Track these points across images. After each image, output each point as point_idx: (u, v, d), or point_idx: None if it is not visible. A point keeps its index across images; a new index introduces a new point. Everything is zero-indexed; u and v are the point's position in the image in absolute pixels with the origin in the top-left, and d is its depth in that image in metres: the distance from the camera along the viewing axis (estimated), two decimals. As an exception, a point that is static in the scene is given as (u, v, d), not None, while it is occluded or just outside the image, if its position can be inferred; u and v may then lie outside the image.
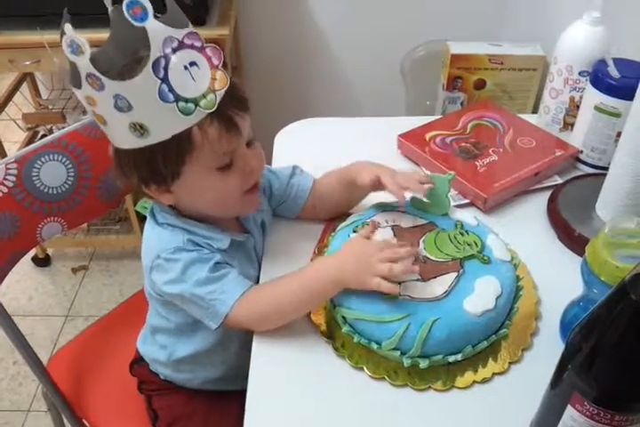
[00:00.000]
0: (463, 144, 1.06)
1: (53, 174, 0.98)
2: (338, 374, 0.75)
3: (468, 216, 0.86)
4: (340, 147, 1.09)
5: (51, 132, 1.86)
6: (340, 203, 0.93)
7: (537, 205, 0.98)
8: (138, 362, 1.01)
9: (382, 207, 0.86)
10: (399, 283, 0.74)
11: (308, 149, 1.09)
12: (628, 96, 0.90)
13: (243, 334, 0.83)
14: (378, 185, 0.84)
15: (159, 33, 0.65)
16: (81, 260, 1.98)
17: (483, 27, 1.72)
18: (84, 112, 1.77)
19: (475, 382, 0.73)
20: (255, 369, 0.75)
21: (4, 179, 0.93)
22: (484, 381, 0.73)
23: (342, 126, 1.19)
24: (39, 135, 1.92)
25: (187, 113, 0.68)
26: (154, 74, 0.65)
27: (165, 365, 0.95)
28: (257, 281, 0.85)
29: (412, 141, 1.08)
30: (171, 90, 0.66)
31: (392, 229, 0.82)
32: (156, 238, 0.81)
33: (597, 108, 0.99)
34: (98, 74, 0.64)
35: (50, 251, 1.98)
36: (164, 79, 0.66)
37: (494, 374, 0.74)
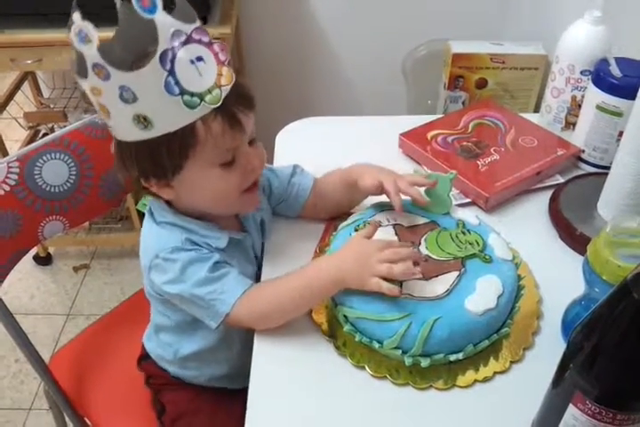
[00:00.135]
0: (465, 143, 1.06)
1: (55, 173, 0.98)
2: (339, 373, 0.75)
3: (470, 215, 0.86)
4: (342, 146, 1.09)
5: (52, 130, 1.86)
6: (340, 203, 0.93)
7: (538, 204, 0.98)
8: (145, 358, 1.01)
9: (384, 206, 0.86)
10: (400, 282, 0.74)
11: (309, 148, 1.09)
12: (630, 95, 0.89)
13: (245, 332, 0.83)
14: (380, 190, 0.84)
15: (167, 26, 0.65)
16: (82, 258, 1.98)
17: (484, 26, 1.72)
18: (86, 111, 1.77)
19: (476, 381, 0.73)
20: (256, 368, 0.75)
21: (6, 177, 0.93)
22: (486, 380, 0.73)
23: (344, 125, 1.19)
24: (40, 134, 1.92)
25: (191, 107, 0.68)
26: (161, 66, 0.65)
27: (171, 362, 0.96)
28: (256, 279, 0.85)
29: (413, 140, 1.08)
30: (177, 83, 0.66)
31: (393, 227, 0.82)
32: (154, 238, 0.81)
33: (599, 108, 0.99)
34: (104, 63, 0.64)
35: (51, 249, 1.98)
36: (171, 72, 0.66)
37: (496, 373, 0.74)
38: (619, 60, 0.97)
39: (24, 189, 0.95)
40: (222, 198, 0.79)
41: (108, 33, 0.69)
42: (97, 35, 0.63)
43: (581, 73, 1.04)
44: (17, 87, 1.84)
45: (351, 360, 0.75)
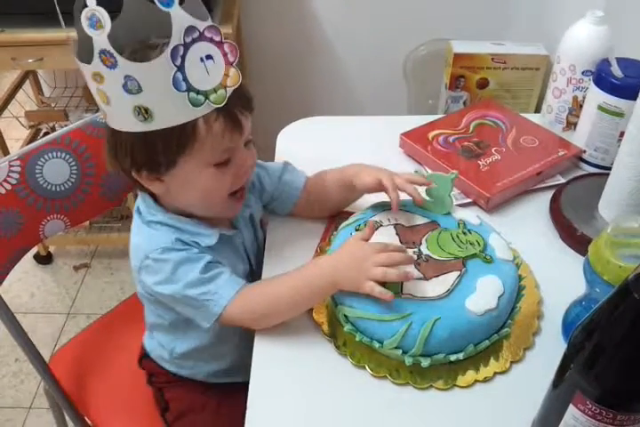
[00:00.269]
0: (466, 143, 1.06)
1: (56, 172, 0.98)
2: (339, 372, 0.75)
3: (471, 215, 0.86)
4: (343, 145, 1.09)
5: (53, 129, 1.86)
6: (334, 202, 0.93)
7: (539, 204, 0.98)
8: (145, 357, 1.01)
9: (384, 206, 0.86)
10: (401, 282, 0.74)
11: (310, 148, 1.09)
12: (632, 96, 0.90)
13: (240, 330, 0.82)
14: (378, 188, 0.84)
15: (182, 21, 0.65)
16: (83, 257, 1.98)
17: (485, 26, 1.72)
18: (87, 110, 1.77)
19: (476, 381, 0.73)
20: (257, 367, 0.75)
21: (8, 176, 0.93)
22: (486, 380, 0.73)
23: (345, 125, 1.19)
24: (41, 133, 1.92)
25: (196, 104, 0.68)
26: (171, 61, 0.65)
27: (169, 360, 0.96)
28: (247, 276, 0.85)
29: (414, 140, 1.08)
30: (184, 79, 0.66)
31: (394, 227, 0.82)
32: (144, 239, 0.81)
33: (600, 108, 0.99)
34: (113, 51, 0.64)
35: (52, 248, 1.98)
36: (180, 67, 0.66)
37: (496, 373, 0.74)
38: (620, 61, 0.97)
39: (25, 187, 0.95)
40: (209, 198, 0.79)
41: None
42: (110, 21, 0.62)
43: (583, 73, 1.04)
44: (18, 86, 1.84)
45: (351, 360, 0.75)
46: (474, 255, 0.78)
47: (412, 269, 0.76)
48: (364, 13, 1.77)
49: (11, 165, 0.93)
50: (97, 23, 0.63)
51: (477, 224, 0.84)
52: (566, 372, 0.58)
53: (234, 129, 0.73)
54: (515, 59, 1.44)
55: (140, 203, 0.83)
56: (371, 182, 0.83)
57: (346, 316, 0.77)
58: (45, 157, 0.96)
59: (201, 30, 0.66)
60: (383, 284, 0.72)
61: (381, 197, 0.86)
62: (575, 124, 1.08)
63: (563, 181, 1.02)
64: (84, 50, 0.66)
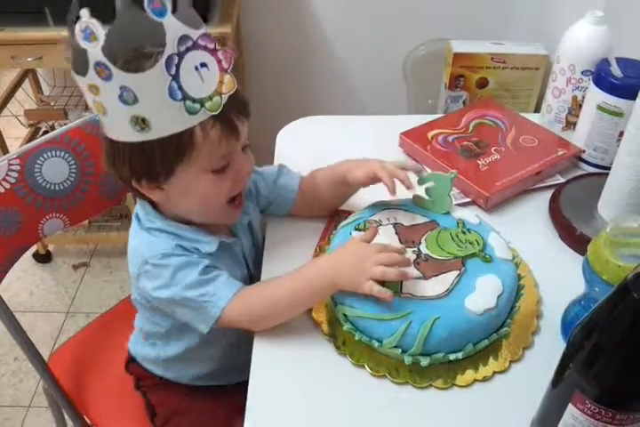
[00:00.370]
0: (465, 143, 1.06)
1: (55, 171, 0.98)
2: (339, 371, 0.75)
3: (470, 215, 0.86)
4: (342, 145, 1.09)
5: (52, 128, 1.86)
6: (329, 200, 0.93)
7: (539, 204, 0.98)
8: (131, 361, 1.01)
9: (383, 205, 0.86)
10: (400, 282, 0.74)
11: (309, 147, 1.09)
12: (631, 95, 0.90)
13: (230, 332, 0.82)
14: (373, 181, 0.83)
15: (176, 30, 0.65)
16: (82, 256, 1.98)
17: (485, 26, 1.72)
18: (86, 109, 1.77)
19: (475, 380, 0.73)
20: (256, 367, 0.75)
21: (7, 175, 0.93)
22: (485, 379, 0.73)
23: (344, 124, 1.19)
24: (41, 132, 1.92)
25: (192, 112, 0.68)
26: (166, 70, 0.65)
27: (155, 363, 0.96)
28: (246, 281, 0.85)
29: (414, 140, 1.08)
30: (180, 88, 0.66)
31: (394, 227, 0.82)
32: (143, 244, 0.80)
33: (600, 108, 0.99)
34: (108, 63, 0.64)
35: (51, 247, 1.98)
36: (175, 77, 0.66)
37: (495, 372, 0.74)
38: (620, 61, 0.97)
39: (24, 186, 0.95)
40: (209, 205, 0.79)
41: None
42: (104, 33, 0.62)
43: (582, 73, 1.04)
44: (17, 85, 1.84)
45: (351, 359, 0.75)
46: (473, 255, 0.78)
47: (411, 268, 0.76)
48: (364, 13, 1.77)
49: (10, 164, 0.93)
50: (91, 35, 0.63)
51: (477, 224, 0.84)
52: (565, 371, 0.58)
53: (230, 135, 0.73)
54: (514, 58, 1.44)
55: (139, 210, 0.83)
56: (364, 177, 0.83)
57: (345, 315, 0.77)
58: (44, 155, 0.96)
59: (194, 39, 0.66)
60: (382, 283, 0.72)
61: (377, 195, 0.86)
62: (574, 124, 1.08)
63: (562, 180, 1.02)
64: (79, 62, 0.66)
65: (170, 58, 0.65)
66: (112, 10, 0.67)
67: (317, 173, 0.92)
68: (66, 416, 1.12)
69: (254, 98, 1.92)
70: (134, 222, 0.83)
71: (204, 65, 0.68)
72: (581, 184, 1.00)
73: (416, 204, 0.86)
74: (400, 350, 0.73)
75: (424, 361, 0.72)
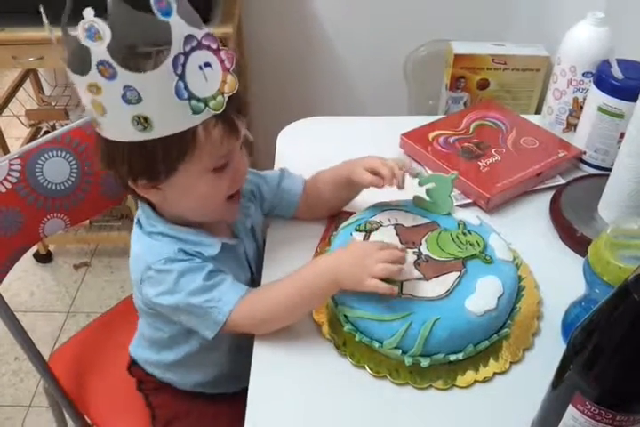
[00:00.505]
0: (466, 144, 1.06)
1: (57, 170, 0.98)
2: (339, 372, 0.75)
3: (471, 216, 0.86)
4: (343, 146, 1.08)
5: (53, 128, 1.86)
6: (332, 202, 0.94)
7: (539, 205, 0.98)
8: (134, 364, 1.01)
9: (384, 206, 0.86)
10: (401, 283, 0.74)
11: (310, 148, 1.09)
12: (632, 97, 0.90)
13: (232, 336, 0.82)
14: (377, 181, 0.83)
15: (182, 30, 0.65)
16: (82, 256, 1.98)
17: (486, 27, 1.72)
18: (87, 109, 1.77)
19: (476, 381, 0.73)
20: (257, 367, 0.75)
21: (8, 175, 0.93)
22: (485, 380, 0.73)
23: (345, 125, 1.20)
24: (42, 132, 1.92)
25: (197, 112, 0.68)
26: (173, 70, 0.65)
27: (157, 367, 0.96)
28: (249, 284, 0.84)
29: (414, 141, 1.08)
30: (186, 87, 0.66)
31: (394, 228, 0.82)
32: (145, 250, 0.80)
33: (601, 109, 0.99)
34: (113, 62, 0.63)
35: (51, 247, 1.98)
36: (181, 76, 0.66)
37: (495, 373, 0.74)
38: (620, 62, 0.97)
39: (25, 186, 0.95)
40: (208, 203, 0.79)
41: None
42: (109, 32, 0.62)
43: (583, 75, 1.04)
44: (18, 85, 1.84)
45: (351, 360, 0.75)
46: (474, 256, 0.78)
47: (412, 269, 0.76)
48: (365, 14, 1.77)
49: (11, 164, 0.93)
50: (95, 34, 0.62)
51: (477, 225, 0.84)
52: (566, 372, 0.58)
53: (231, 134, 0.74)
54: (515, 60, 1.44)
55: (140, 215, 0.83)
56: (368, 177, 0.83)
57: (346, 316, 0.77)
58: (45, 155, 0.96)
59: (199, 39, 0.66)
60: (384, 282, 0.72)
61: (378, 196, 0.87)
62: (575, 126, 1.08)
63: (563, 182, 1.02)
64: (78, 61, 0.65)
65: (177, 57, 0.65)
66: (103, 8, 0.67)
67: (320, 176, 0.92)
68: (66, 416, 1.12)
69: (255, 98, 1.93)
70: (136, 228, 0.83)
71: (207, 64, 0.68)
72: (582, 186, 1.00)
73: (417, 205, 0.86)
74: (400, 351, 0.73)
75: (424, 362, 0.72)
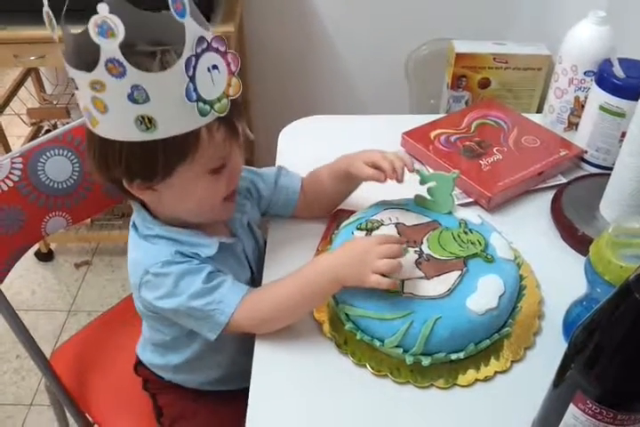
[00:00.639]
0: (467, 143, 1.06)
1: (58, 169, 0.98)
2: (341, 371, 0.75)
3: (472, 215, 0.86)
4: (344, 144, 1.08)
5: (55, 127, 1.86)
6: (331, 198, 0.93)
7: (541, 204, 0.98)
8: (140, 364, 1.01)
9: (386, 205, 0.86)
10: (402, 281, 0.74)
11: (311, 147, 1.09)
12: (633, 96, 0.90)
13: (236, 336, 0.82)
14: (377, 175, 0.82)
15: (196, 31, 0.64)
16: (84, 255, 1.99)
17: (487, 26, 1.72)
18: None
19: (477, 380, 0.73)
20: (257, 367, 0.75)
21: (10, 173, 0.93)
22: (487, 379, 0.73)
23: (346, 124, 1.20)
24: (43, 130, 1.92)
25: (203, 114, 0.68)
26: (185, 71, 0.65)
27: (164, 369, 0.96)
28: (250, 283, 0.85)
29: (416, 140, 1.08)
30: (195, 89, 0.66)
31: (396, 226, 0.82)
32: (143, 253, 0.80)
33: (602, 108, 0.99)
34: (123, 60, 0.62)
35: (53, 246, 1.98)
36: (192, 78, 0.66)
37: (496, 372, 0.74)
38: (622, 61, 0.97)
39: (27, 184, 0.95)
40: (204, 204, 0.78)
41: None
42: (123, 29, 0.61)
43: (585, 74, 1.04)
44: (20, 83, 1.84)
45: (352, 359, 0.75)
46: (475, 255, 0.78)
47: (413, 268, 0.76)
48: (366, 13, 1.77)
49: (13, 162, 0.93)
50: (108, 31, 0.61)
51: (478, 224, 0.84)
52: (567, 371, 0.58)
53: (232, 136, 0.74)
54: (516, 59, 1.44)
55: (135, 217, 0.82)
56: (369, 171, 0.83)
57: (347, 314, 0.77)
58: (47, 154, 0.97)
59: (209, 41, 0.66)
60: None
61: (379, 194, 0.86)
62: (577, 125, 1.08)
63: (564, 181, 1.02)
64: (84, 57, 0.64)
65: (189, 59, 0.65)
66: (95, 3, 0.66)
67: (317, 172, 0.92)
68: (68, 414, 1.12)
69: (256, 97, 1.93)
70: (132, 232, 0.82)
71: (215, 67, 0.68)
72: (583, 185, 1.00)
73: (418, 204, 0.86)
74: (402, 350, 0.73)
75: (425, 361, 0.72)
